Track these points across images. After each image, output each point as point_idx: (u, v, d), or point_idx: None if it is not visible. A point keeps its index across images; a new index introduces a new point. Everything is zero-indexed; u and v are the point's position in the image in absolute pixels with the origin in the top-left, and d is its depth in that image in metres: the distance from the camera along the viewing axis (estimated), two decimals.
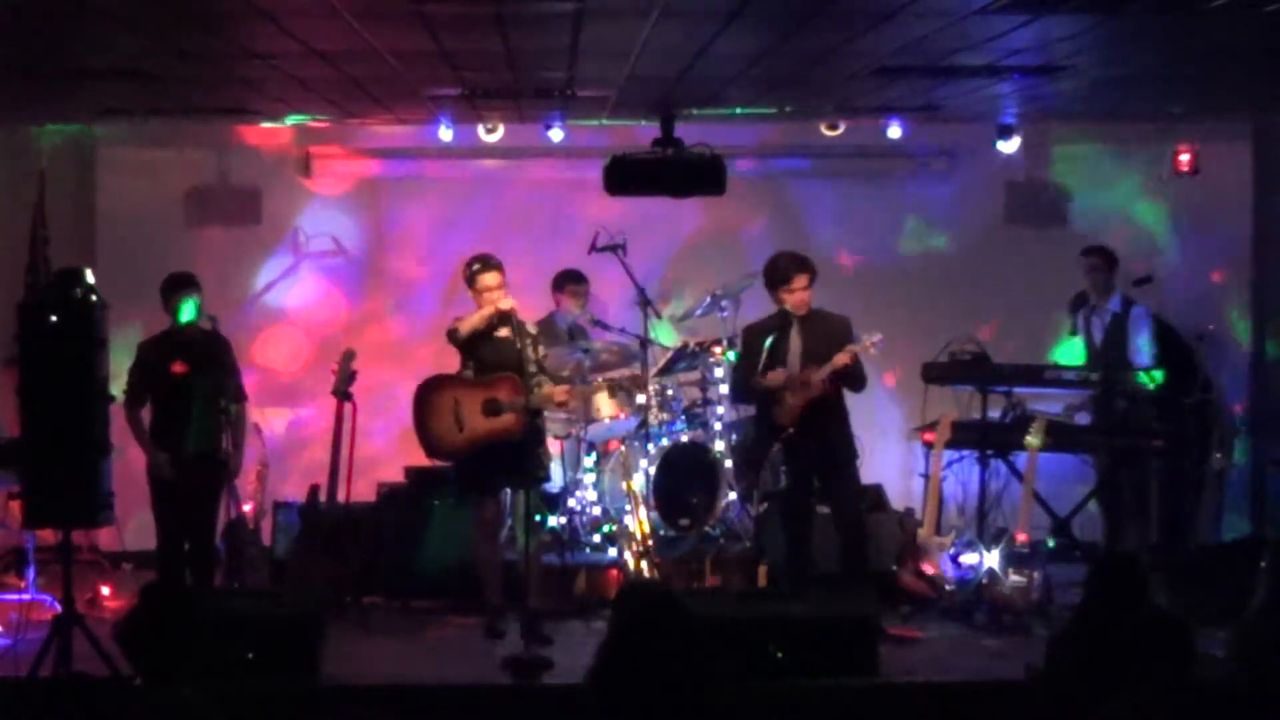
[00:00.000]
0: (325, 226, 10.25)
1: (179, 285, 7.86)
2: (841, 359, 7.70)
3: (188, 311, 7.80)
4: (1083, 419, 8.92)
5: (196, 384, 7.79)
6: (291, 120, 9.34)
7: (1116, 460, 8.68)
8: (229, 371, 7.99)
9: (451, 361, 7.91)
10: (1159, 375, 8.63)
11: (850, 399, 8.09)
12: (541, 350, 7.90)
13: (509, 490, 7.89)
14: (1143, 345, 8.79)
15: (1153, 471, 8.79)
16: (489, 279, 7.66)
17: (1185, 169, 9.98)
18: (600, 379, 9.03)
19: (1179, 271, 10.09)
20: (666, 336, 9.68)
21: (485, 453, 7.63)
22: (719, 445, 9.23)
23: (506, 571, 7.91)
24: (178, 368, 7.76)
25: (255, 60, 6.84)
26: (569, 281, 9.27)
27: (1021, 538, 7.89)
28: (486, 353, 7.70)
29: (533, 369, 7.71)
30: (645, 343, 8.94)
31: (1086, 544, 8.97)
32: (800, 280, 7.82)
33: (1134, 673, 4.20)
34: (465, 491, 7.85)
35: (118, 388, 7.40)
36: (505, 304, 7.62)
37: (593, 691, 3.82)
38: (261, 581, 8.34)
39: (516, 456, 7.65)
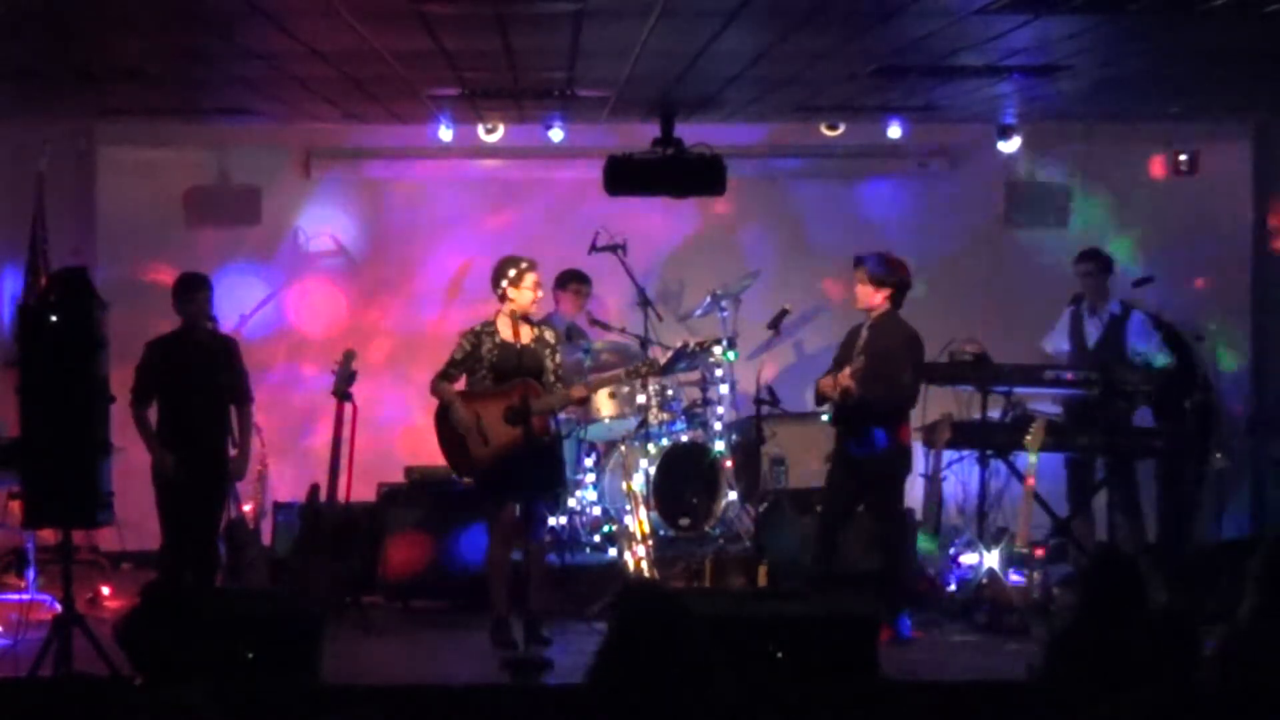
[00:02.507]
0: (325, 226, 10.25)
1: (193, 286, 7.85)
2: (841, 382, 7.69)
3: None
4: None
5: (203, 384, 7.79)
6: (291, 120, 9.34)
7: (1115, 460, 8.67)
8: (236, 373, 7.99)
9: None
10: (1163, 361, 8.65)
11: None
12: (560, 358, 7.86)
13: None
14: (1151, 348, 8.76)
15: (1137, 471, 8.81)
16: (538, 278, 7.68)
17: (1185, 169, 9.99)
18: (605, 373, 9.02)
19: (1179, 272, 10.10)
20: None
21: (506, 459, 7.61)
22: (719, 445, 9.24)
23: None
24: (184, 368, 7.75)
25: (255, 60, 6.84)
26: (572, 281, 9.25)
27: (1037, 553, 7.91)
28: (503, 361, 7.66)
29: (551, 379, 7.68)
30: (645, 343, 8.94)
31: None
32: (855, 275, 7.86)
33: (1138, 672, 4.20)
34: (484, 497, 7.79)
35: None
36: (579, 393, 7.71)
37: (593, 691, 3.82)
38: (261, 581, 8.35)
39: (536, 466, 7.65)
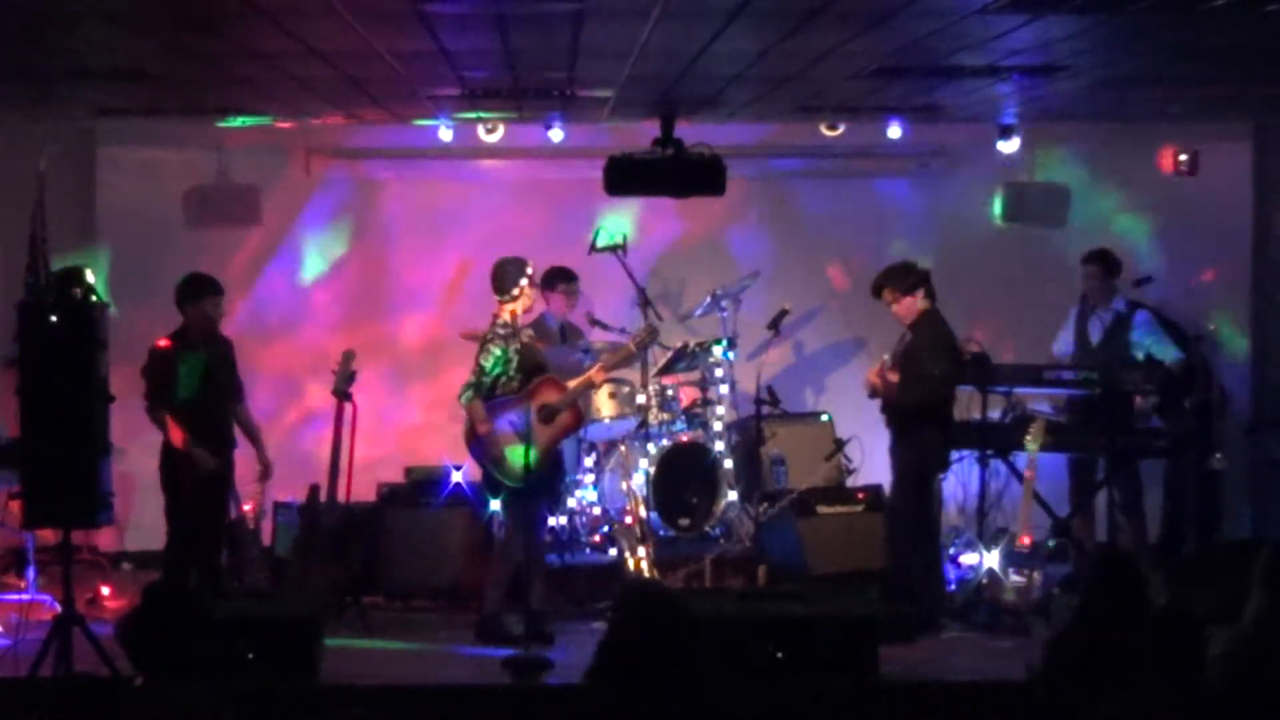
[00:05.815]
0: (325, 226, 10.25)
1: (210, 288, 7.83)
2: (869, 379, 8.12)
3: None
4: None
5: (220, 385, 7.79)
6: (291, 120, 9.34)
7: (1116, 461, 8.67)
8: (235, 373, 8.01)
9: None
10: (1173, 355, 8.67)
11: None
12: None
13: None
14: (1157, 344, 8.78)
15: (1139, 471, 8.80)
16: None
17: (1185, 169, 9.98)
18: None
19: (1178, 271, 10.10)
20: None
21: (547, 458, 7.67)
22: (719, 445, 9.23)
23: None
24: (182, 361, 7.73)
25: (255, 60, 6.84)
26: (560, 280, 9.21)
27: (1025, 541, 7.91)
28: (525, 360, 7.67)
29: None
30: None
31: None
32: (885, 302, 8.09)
33: (1138, 672, 4.20)
34: (529, 498, 7.68)
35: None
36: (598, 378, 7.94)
37: (592, 691, 3.82)
38: (261, 581, 8.34)
39: (556, 463, 7.79)
